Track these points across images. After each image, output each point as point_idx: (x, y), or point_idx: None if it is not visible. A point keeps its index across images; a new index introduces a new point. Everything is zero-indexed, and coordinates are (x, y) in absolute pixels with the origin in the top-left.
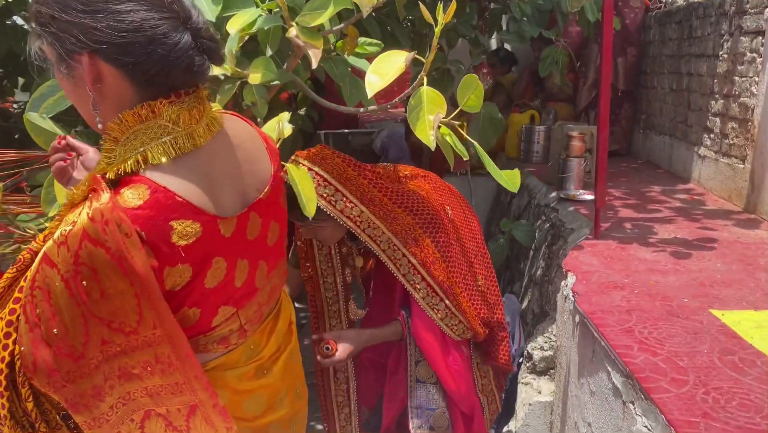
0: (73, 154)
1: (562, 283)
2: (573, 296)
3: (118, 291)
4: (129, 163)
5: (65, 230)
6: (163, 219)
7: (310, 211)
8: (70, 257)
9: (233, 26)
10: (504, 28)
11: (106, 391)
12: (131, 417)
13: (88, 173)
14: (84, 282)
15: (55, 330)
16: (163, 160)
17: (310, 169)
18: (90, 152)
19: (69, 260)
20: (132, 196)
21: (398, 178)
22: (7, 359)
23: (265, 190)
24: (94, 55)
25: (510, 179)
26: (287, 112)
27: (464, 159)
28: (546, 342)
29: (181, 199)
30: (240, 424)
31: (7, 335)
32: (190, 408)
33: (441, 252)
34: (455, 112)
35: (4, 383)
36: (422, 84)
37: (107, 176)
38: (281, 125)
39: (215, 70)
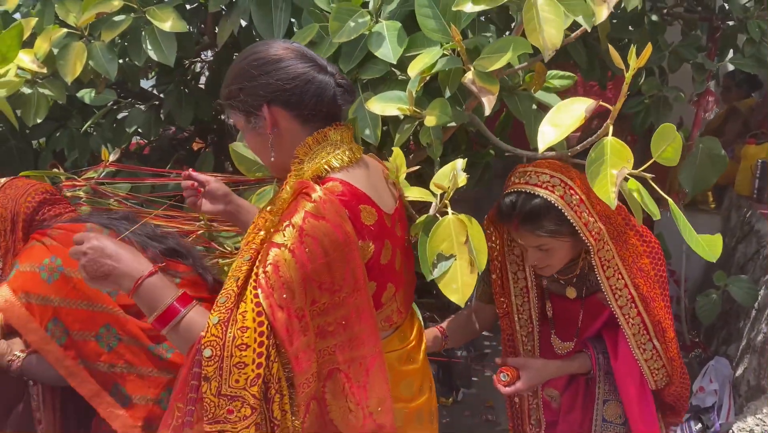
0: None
1: None
2: None
3: (334, 254)
4: (320, 167)
5: (290, 219)
6: (355, 203)
7: (481, 264)
8: (296, 232)
9: (414, 69)
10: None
11: (313, 347)
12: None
13: (284, 190)
14: (307, 249)
15: (284, 295)
16: (341, 164)
17: (553, 176)
18: (212, 182)
19: (295, 235)
20: (334, 187)
21: None
22: (266, 322)
23: (395, 206)
24: (271, 104)
25: (709, 247)
26: (462, 159)
27: (654, 219)
28: (758, 425)
29: (362, 192)
30: (398, 405)
31: (260, 314)
32: (370, 362)
33: (661, 288)
34: (648, 164)
35: (266, 352)
36: (607, 133)
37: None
38: (455, 174)
39: (396, 110)
